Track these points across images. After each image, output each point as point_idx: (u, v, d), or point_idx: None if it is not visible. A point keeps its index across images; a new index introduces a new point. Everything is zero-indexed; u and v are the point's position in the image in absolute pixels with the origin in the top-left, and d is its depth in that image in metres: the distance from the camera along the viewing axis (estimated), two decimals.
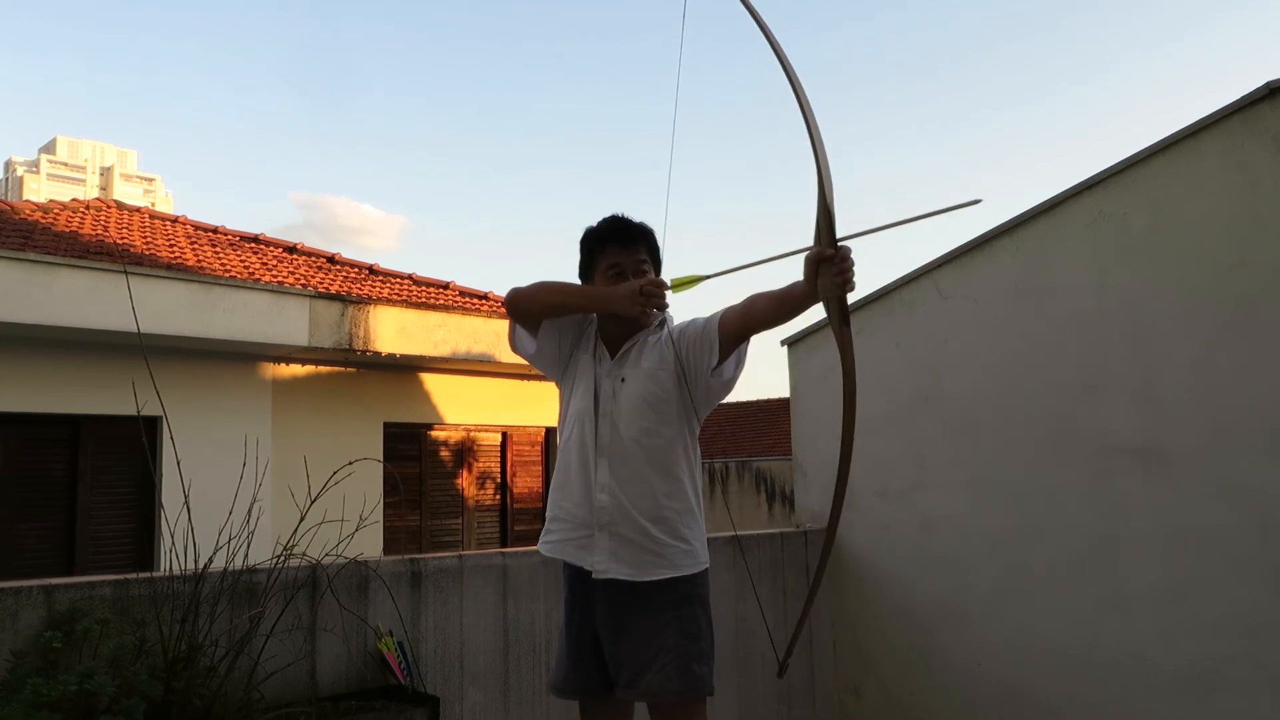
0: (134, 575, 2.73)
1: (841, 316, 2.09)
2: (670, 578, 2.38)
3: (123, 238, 8.65)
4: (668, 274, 2.51)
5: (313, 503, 3.04)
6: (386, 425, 8.46)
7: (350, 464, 3.21)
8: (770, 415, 19.95)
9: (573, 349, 2.58)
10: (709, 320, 2.41)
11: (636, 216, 2.57)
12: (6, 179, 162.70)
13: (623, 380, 2.46)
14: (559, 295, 2.47)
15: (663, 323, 2.56)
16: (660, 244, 2.56)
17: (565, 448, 2.55)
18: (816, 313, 2.20)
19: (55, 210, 9.41)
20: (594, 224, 2.58)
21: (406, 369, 8.62)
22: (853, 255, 2.05)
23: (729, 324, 2.35)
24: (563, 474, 2.54)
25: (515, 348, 2.56)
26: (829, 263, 2.03)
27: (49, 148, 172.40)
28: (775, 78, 2.20)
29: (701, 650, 2.39)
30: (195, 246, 9.18)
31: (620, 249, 2.49)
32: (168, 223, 10.11)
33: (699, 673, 2.36)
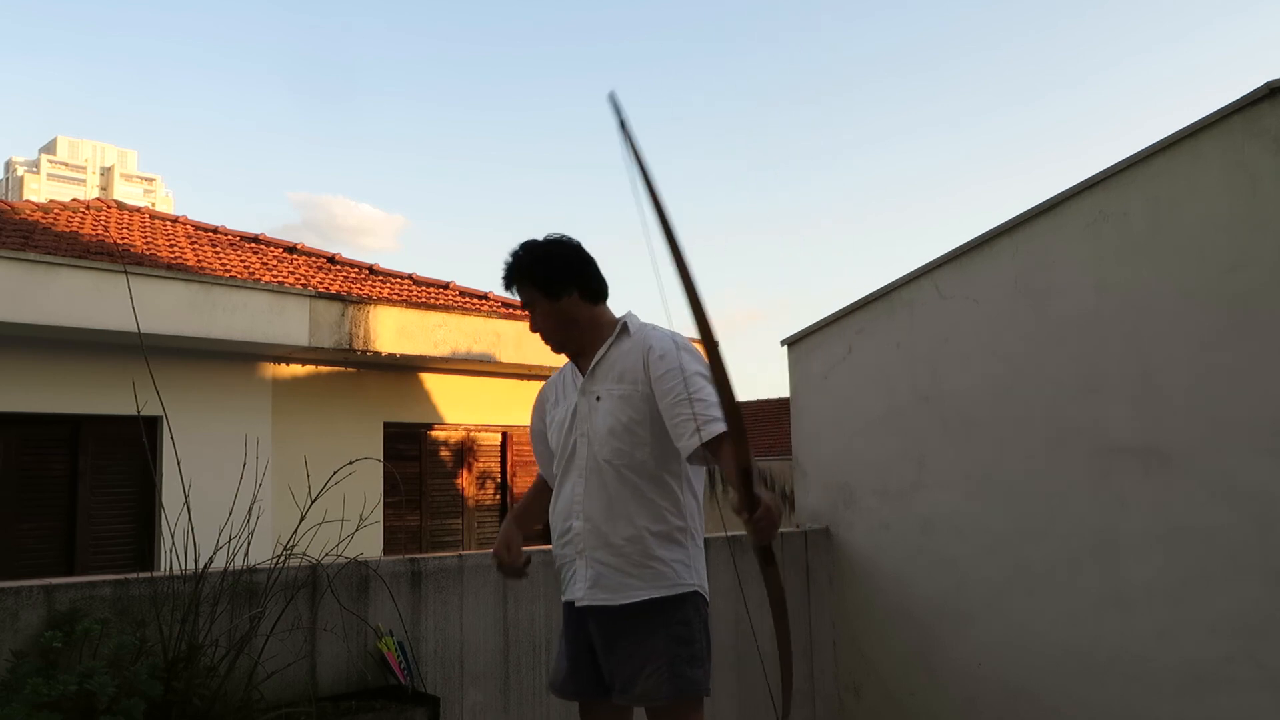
0: (134, 575, 2.73)
1: (763, 558, 2.03)
2: (654, 599, 2.34)
3: (123, 238, 8.65)
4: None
5: (313, 503, 3.03)
6: (386, 425, 8.46)
7: (350, 464, 3.20)
8: (770, 415, 19.94)
9: (550, 411, 2.62)
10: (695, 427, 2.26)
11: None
12: (6, 179, 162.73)
13: (598, 399, 2.44)
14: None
15: (624, 327, 2.49)
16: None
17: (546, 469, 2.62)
18: (818, 312, 2.14)
19: (55, 210, 9.40)
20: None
21: (406, 369, 8.62)
22: (776, 514, 1.90)
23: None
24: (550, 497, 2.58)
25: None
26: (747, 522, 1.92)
27: (49, 148, 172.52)
28: None
29: (694, 654, 2.36)
30: (195, 246, 9.18)
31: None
32: (168, 223, 10.11)
33: (691, 675, 2.34)
